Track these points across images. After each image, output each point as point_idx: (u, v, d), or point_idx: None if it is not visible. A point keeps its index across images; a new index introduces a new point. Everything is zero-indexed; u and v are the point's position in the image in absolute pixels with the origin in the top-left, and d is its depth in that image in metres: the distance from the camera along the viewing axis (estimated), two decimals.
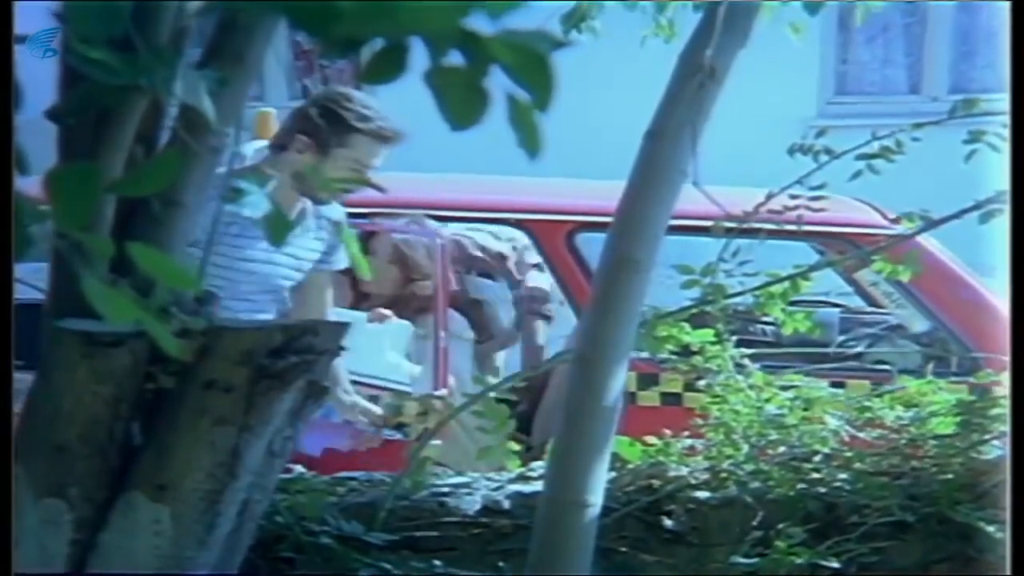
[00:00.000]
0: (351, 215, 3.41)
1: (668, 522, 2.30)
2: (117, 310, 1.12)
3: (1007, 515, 1.61)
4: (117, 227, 1.55)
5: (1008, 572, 1.59)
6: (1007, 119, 2.39)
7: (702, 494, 2.34)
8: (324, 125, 3.14)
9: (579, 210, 4.09)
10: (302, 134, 3.16)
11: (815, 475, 2.35)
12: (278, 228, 1.43)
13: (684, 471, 2.39)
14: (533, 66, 1.03)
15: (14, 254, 1.14)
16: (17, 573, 1.44)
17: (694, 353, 2.58)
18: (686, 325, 2.56)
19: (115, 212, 1.57)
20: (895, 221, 3.98)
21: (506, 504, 2.34)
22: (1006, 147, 2.37)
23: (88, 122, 1.52)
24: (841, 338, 4.62)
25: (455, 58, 1.04)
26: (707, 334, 2.56)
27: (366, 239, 3.87)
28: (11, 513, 1.37)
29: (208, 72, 1.51)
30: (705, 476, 2.38)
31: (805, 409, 2.46)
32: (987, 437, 2.35)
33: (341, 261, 3.22)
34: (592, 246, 4.14)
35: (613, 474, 2.32)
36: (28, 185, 1.22)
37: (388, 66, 1.05)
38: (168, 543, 1.64)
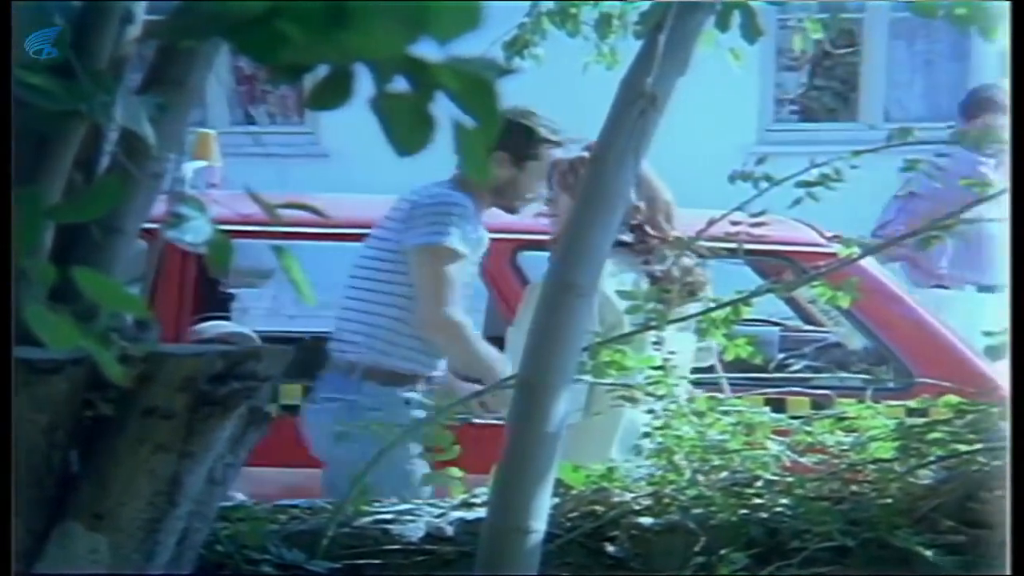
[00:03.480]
0: (283, 236, 3.39)
1: (611, 548, 2.30)
2: (60, 336, 1.11)
3: (1007, 516, 1.61)
4: (57, 253, 1.54)
5: (1008, 572, 1.59)
6: (941, 148, 2.43)
7: (645, 520, 2.34)
8: (522, 140, 3.46)
9: (522, 229, 4.10)
10: (499, 150, 3.37)
11: (757, 500, 2.36)
12: (221, 254, 1.41)
13: (627, 497, 2.39)
14: (479, 93, 1.03)
15: (14, 255, 1.13)
16: (17, 573, 1.41)
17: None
18: (629, 350, 2.57)
19: (54, 238, 1.55)
20: (833, 239, 4.04)
21: (449, 531, 2.34)
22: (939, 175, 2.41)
23: (28, 148, 1.50)
24: (781, 356, 4.66)
25: (401, 84, 1.04)
26: (650, 359, 2.57)
27: None
28: (11, 513, 1.35)
29: (148, 97, 1.50)
30: (648, 502, 2.39)
31: (747, 434, 2.48)
32: (925, 462, 2.38)
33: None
34: (535, 265, 4.16)
35: (556, 500, 2.32)
36: None
37: (333, 92, 1.05)
38: (106, 573, 1.62)
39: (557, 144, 3.55)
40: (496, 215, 3.99)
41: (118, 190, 1.42)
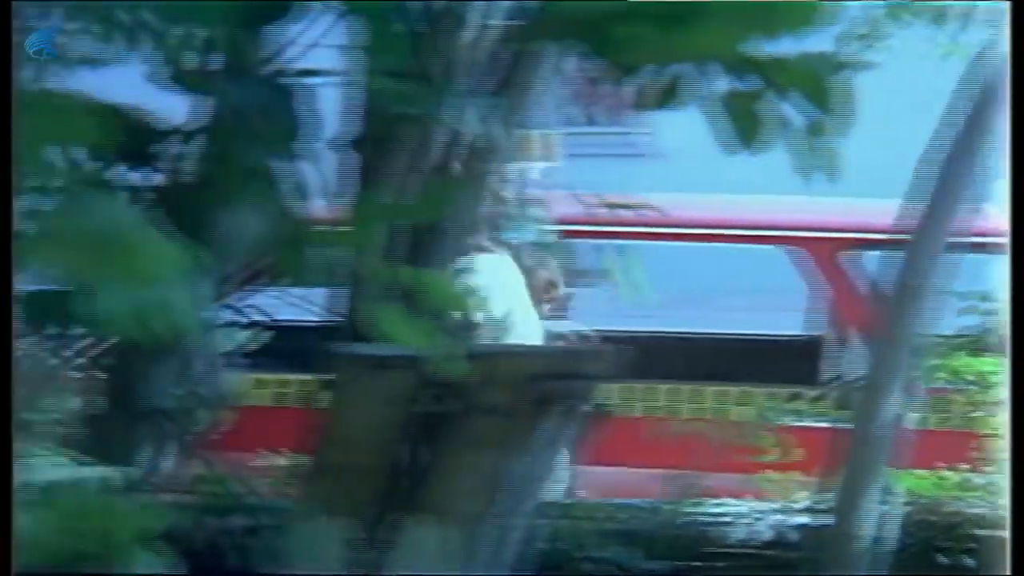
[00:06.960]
0: (622, 235, 3.38)
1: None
2: (412, 335, 1.14)
3: (1007, 515, 1.55)
4: (408, 254, 1.58)
5: (1008, 572, 1.54)
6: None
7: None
8: None
9: (846, 228, 3.98)
10: None
11: None
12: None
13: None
14: (819, 89, 1.01)
15: (14, 255, 1.13)
16: (17, 573, 1.43)
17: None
18: (966, 354, 2.46)
19: (407, 240, 1.60)
20: None
21: (793, 536, 2.28)
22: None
23: (380, 152, 1.55)
24: None
25: (736, 83, 1.03)
26: (991, 363, 2.44)
27: None
28: (11, 513, 1.32)
29: (496, 100, 1.53)
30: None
31: None
32: None
33: None
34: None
35: (902, 507, 2.24)
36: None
37: (669, 92, 1.04)
38: (455, 567, 1.65)
39: None
40: (822, 213, 3.88)
41: (454, 192, 1.45)
